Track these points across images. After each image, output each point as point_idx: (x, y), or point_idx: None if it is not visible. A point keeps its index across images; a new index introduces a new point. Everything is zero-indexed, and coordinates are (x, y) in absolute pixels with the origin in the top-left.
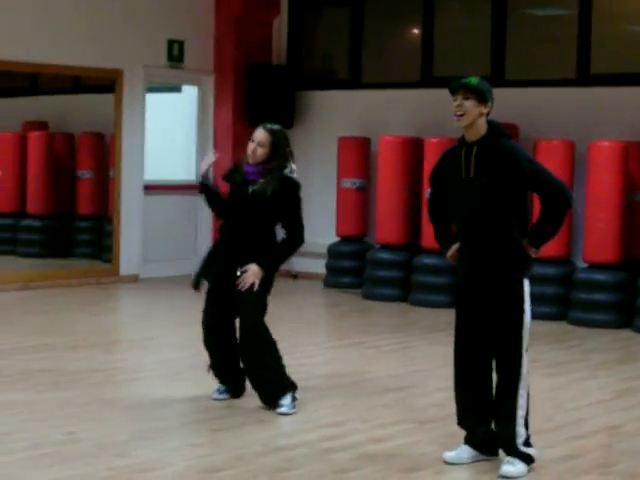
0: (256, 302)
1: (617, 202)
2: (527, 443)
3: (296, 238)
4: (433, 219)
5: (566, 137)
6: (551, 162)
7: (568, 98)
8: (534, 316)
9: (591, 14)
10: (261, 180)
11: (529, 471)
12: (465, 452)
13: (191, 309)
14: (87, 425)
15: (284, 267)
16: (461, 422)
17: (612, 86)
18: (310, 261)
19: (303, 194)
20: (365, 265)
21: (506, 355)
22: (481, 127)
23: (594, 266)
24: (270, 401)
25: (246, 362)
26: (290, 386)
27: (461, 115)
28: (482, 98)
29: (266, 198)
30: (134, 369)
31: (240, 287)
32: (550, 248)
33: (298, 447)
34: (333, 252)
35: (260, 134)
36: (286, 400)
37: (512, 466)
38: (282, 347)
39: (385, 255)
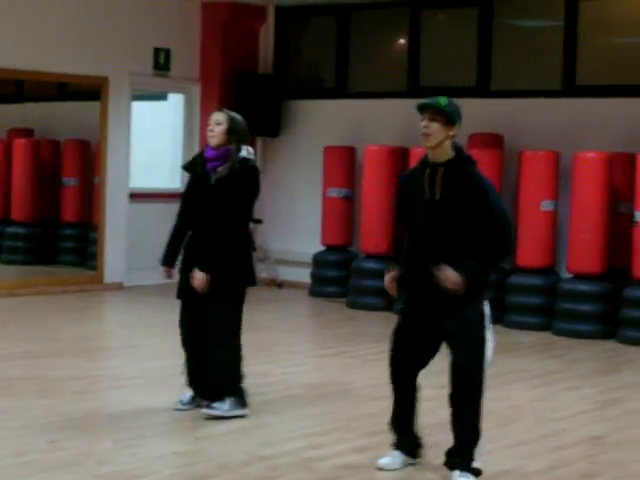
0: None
1: (601, 213)
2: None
3: (239, 229)
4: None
5: (551, 148)
6: (536, 172)
7: (553, 109)
8: (518, 326)
9: (577, 25)
10: (222, 167)
11: None
12: (398, 457)
13: (175, 317)
14: (71, 433)
15: (268, 275)
16: (393, 426)
17: (598, 97)
18: (295, 270)
19: (289, 202)
20: (350, 274)
21: (463, 362)
22: (447, 149)
23: (578, 277)
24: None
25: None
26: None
27: (428, 135)
28: (450, 120)
29: (229, 183)
30: (118, 377)
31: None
32: (534, 258)
33: (282, 456)
34: (318, 261)
35: (216, 115)
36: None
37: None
38: (266, 356)
39: (370, 264)
